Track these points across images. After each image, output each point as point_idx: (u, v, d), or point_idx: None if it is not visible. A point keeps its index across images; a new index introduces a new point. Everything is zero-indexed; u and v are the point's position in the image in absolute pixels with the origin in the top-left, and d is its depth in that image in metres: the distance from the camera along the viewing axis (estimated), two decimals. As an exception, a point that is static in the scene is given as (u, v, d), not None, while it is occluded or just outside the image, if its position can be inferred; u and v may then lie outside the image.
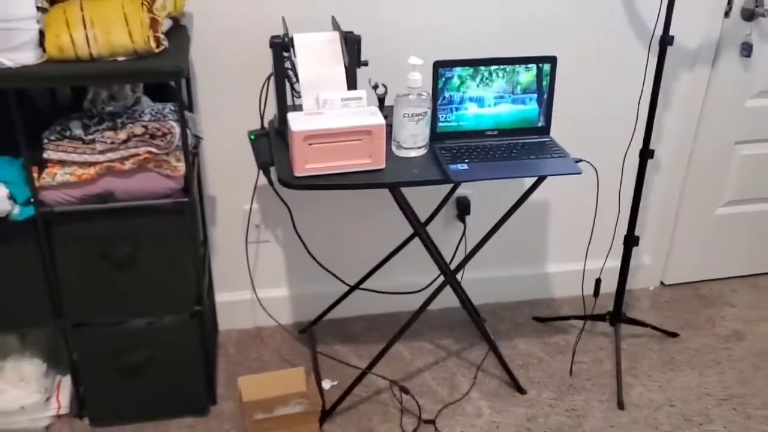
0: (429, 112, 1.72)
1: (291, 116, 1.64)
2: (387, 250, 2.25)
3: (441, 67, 1.73)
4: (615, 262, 2.25)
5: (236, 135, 2.04)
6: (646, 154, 1.99)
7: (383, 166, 1.68)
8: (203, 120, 2.04)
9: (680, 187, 2.44)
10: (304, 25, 1.94)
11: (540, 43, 2.10)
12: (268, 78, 1.84)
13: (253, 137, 1.90)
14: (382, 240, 2.31)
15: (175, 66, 1.55)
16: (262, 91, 1.87)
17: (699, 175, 2.44)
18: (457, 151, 1.74)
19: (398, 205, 1.78)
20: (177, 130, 1.65)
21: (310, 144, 1.61)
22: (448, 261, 2.33)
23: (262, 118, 1.90)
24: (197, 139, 1.90)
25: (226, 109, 2.03)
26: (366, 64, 1.86)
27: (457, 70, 1.74)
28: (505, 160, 1.71)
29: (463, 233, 2.31)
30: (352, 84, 1.82)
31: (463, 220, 2.30)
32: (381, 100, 1.86)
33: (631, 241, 2.12)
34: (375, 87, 1.86)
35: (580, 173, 1.68)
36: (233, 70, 1.98)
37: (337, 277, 2.27)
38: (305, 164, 1.63)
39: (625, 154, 2.09)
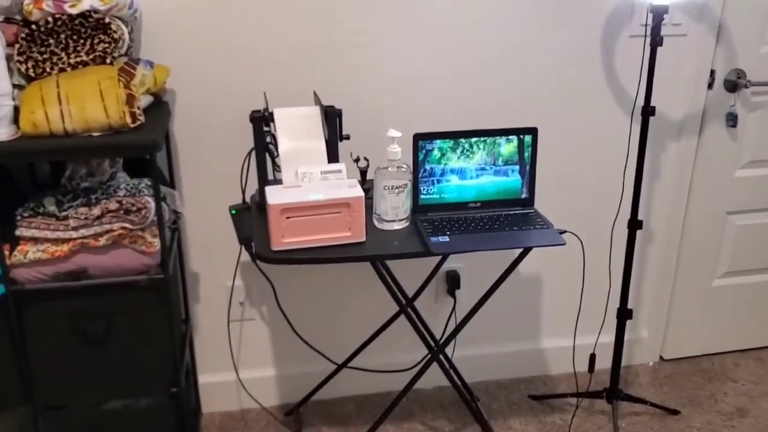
0: (410, 184, 1.70)
1: (269, 189, 1.62)
2: (376, 325, 2.19)
3: (421, 139, 1.73)
4: (610, 337, 2.18)
5: (218, 209, 2.02)
6: (634, 225, 1.96)
7: (363, 239, 1.64)
8: (185, 194, 2.02)
9: (675, 258, 2.39)
10: (286, 100, 1.95)
11: (521, 114, 2.10)
12: (250, 152, 1.83)
13: (234, 212, 1.87)
14: (371, 315, 2.25)
15: (150, 140, 1.54)
16: (243, 166, 1.86)
17: (693, 246, 2.39)
18: (439, 223, 1.71)
19: (381, 280, 1.73)
20: (152, 205, 1.63)
21: (288, 217, 1.58)
22: (438, 337, 2.26)
23: (243, 192, 1.89)
24: (176, 214, 1.88)
25: (208, 184, 2.02)
26: (347, 137, 1.86)
27: (438, 142, 1.73)
28: (488, 231, 1.68)
29: (453, 308, 2.25)
30: (333, 157, 1.81)
31: (453, 295, 2.25)
32: (363, 173, 1.84)
33: (624, 314, 2.06)
34: (356, 160, 1.85)
35: (563, 244, 1.64)
36: (215, 144, 1.98)
37: (324, 356, 2.20)
38: (282, 238, 1.59)
39: (613, 225, 2.06)
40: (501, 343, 2.40)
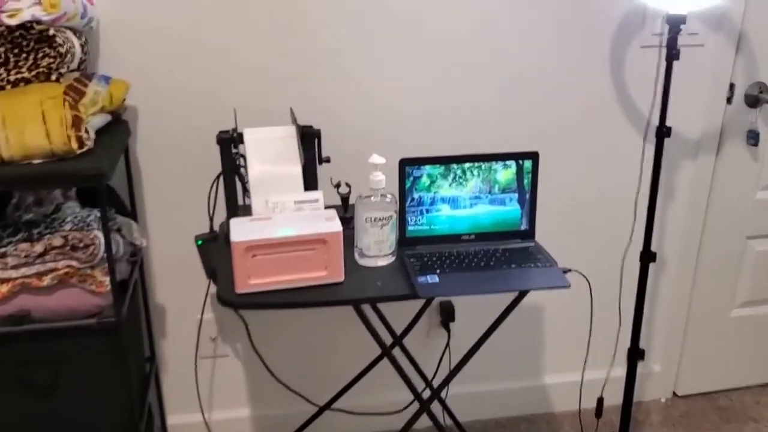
0: (395, 216, 1.50)
1: (234, 223, 1.43)
2: (361, 364, 1.99)
3: (408, 165, 1.53)
4: (620, 371, 1.98)
5: (185, 238, 1.83)
6: (647, 257, 1.76)
7: (341, 278, 1.45)
8: (150, 221, 1.83)
9: (690, 287, 2.20)
10: (259, 119, 1.76)
11: (520, 137, 1.91)
12: (217, 177, 1.65)
13: (199, 242, 1.68)
14: (356, 353, 2.06)
15: (95, 168, 1.36)
16: (210, 191, 1.67)
17: (710, 274, 2.20)
18: (428, 258, 1.52)
19: (363, 323, 1.54)
20: (101, 240, 1.44)
21: (254, 256, 1.39)
22: (431, 375, 2.07)
23: (211, 220, 1.70)
24: (135, 247, 1.69)
25: (174, 210, 1.83)
26: (327, 160, 1.67)
27: (427, 168, 1.54)
28: (483, 270, 1.48)
29: (447, 343, 2.06)
30: (311, 184, 1.62)
31: (447, 328, 2.06)
32: (344, 200, 1.65)
33: (635, 355, 1.86)
34: (337, 186, 1.65)
35: (568, 286, 1.44)
36: (182, 166, 1.80)
37: (303, 398, 2.01)
38: (248, 279, 1.40)
39: (624, 257, 1.87)
40: (499, 379, 2.20)
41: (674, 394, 2.36)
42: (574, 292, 2.07)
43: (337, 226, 1.42)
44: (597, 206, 2.02)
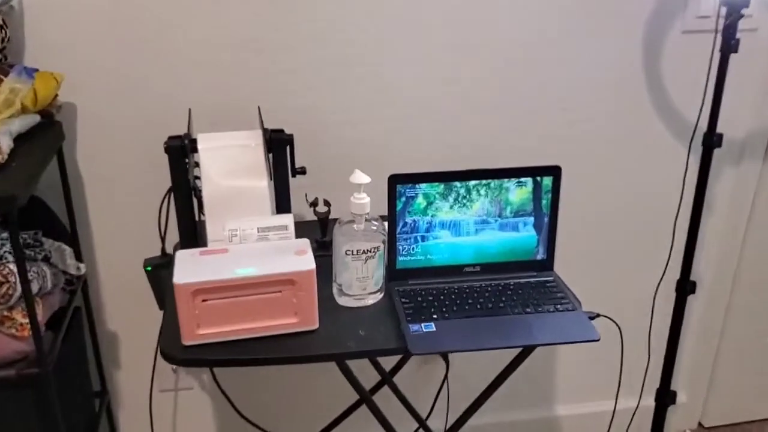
0: (383, 247, 1.22)
1: (179, 257, 1.15)
2: (343, 401, 1.73)
3: (400, 182, 1.25)
4: (639, 401, 1.72)
5: (138, 259, 1.54)
6: (685, 288, 1.48)
7: (315, 325, 1.17)
8: (96, 239, 1.55)
9: (723, 309, 1.92)
10: (221, 120, 1.47)
11: (536, 150, 1.63)
12: (168, 192, 1.36)
13: (148, 268, 1.40)
14: (335, 390, 1.79)
15: (4, 191, 1.07)
16: (161, 208, 1.38)
17: (746, 296, 1.92)
18: (423, 298, 1.24)
19: (342, 372, 1.26)
20: (16, 278, 1.16)
21: (204, 300, 1.11)
22: (425, 414, 1.80)
23: (163, 241, 1.41)
24: (70, 275, 1.41)
25: (124, 227, 1.55)
26: (303, 172, 1.38)
27: (423, 186, 1.25)
28: (490, 313, 1.20)
29: (446, 376, 1.79)
30: (282, 202, 1.34)
31: (445, 358, 1.79)
32: (322, 222, 1.36)
33: (665, 397, 1.60)
34: (313, 204, 1.37)
35: (596, 340, 1.16)
36: (131, 177, 1.51)
37: (278, 437, 1.75)
38: (197, 329, 1.12)
39: (657, 287, 1.59)
40: (507, 410, 1.94)
41: (700, 424, 2.10)
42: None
43: (309, 262, 1.13)
44: (625, 228, 1.74)
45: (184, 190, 1.30)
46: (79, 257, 1.49)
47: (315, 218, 1.39)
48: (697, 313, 1.89)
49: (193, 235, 1.33)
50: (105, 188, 1.52)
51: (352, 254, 1.19)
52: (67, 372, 1.46)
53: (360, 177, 1.17)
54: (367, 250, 1.20)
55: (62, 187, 1.44)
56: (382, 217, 1.24)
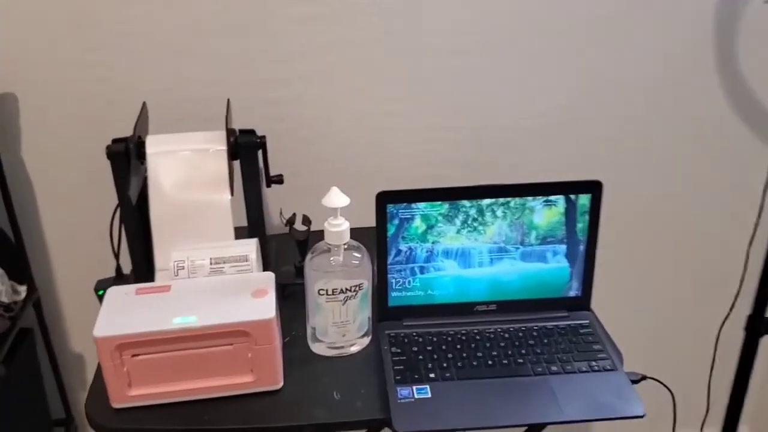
0: (368, 284, 0.96)
1: (108, 298, 0.91)
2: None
3: (391, 201, 0.98)
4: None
5: (99, 273, 1.32)
6: (759, 326, 1.18)
7: (278, 385, 0.93)
8: (52, 252, 1.34)
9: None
10: (182, 119, 1.22)
11: (569, 161, 1.34)
12: (117, 207, 1.12)
13: (101, 292, 1.17)
14: None
15: None
16: (112, 223, 1.15)
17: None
18: (419, 348, 0.98)
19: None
20: None
21: (135, 356, 0.87)
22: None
23: (117, 259, 1.18)
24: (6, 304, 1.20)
25: (80, 237, 1.33)
26: (278, 181, 1.12)
27: (421, 206, 0.98)
28: (505, 375, 0.93)
29: None
30: (252, 218, 1.09)
31: None
32: (301, 244, 1.11)
33: (727, 453, 1.31)
34: (290, 223, 1.11)
35: (641, 416, 0.88)
36: (83, 184, 1.28)
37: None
38: (128, 389, 0.89)
39: (722, 325, 1.29)
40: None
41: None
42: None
43: (267, 309, 0.88)
44: (680, 256, 1.44)
45: (132, 205, 1.06)
46: (24, 275, 1.27)
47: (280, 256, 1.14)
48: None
49: (146, 260, 1.09)
50: (57, 196, 1.30)
51: (327, 294, 0.94)
52: (17, 400, 1.26)
53: (335, 198, 0.91)
54: (347, 289, 0.94)
55: (1, 195, 1.22)
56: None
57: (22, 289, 1.22)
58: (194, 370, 0.90)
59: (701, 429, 1.45)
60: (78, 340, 1.43)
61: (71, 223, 1.32)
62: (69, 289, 1.39)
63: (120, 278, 1.18)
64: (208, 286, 0.93)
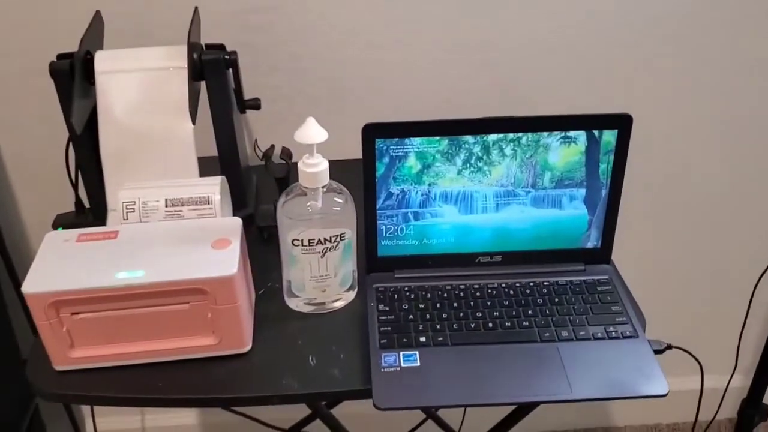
0: (350, 233, 0.82)
1: (45, 244, 0.78)
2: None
3: (380, 135, 0.82)
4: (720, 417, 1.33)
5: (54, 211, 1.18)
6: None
7: (245, 348, 0.80)
8: (13, 180, 1.21)
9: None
10: (143, 34, 1.05)
11: (591, 91, 1.15)
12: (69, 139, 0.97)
13: (59, 229, 1.05)
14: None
15: None
16: (67, 153, 1.00)
17: None
18: (410, 306, 0.85)
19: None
20: None
21: (75, 314, 0.75)
22: None
23: (76, 194, 1.04)
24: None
25: (32, 168, 1.20)
26: (254, 106, 0.97)
27: (416, 141, 0.83)
28: (506, 340, 0.80)
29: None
30: (225, 153, 0.94)
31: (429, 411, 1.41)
32: (280, 182, 0.96)
33: (753, 413, 1.19)
34: (266, 156, 0.96)
35: (663, 395, 0.76)
36: (32, 108, 1.13)
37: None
38: (69, 351, 0.77)
39: (756, 284, 1.14)
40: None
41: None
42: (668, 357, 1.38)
43: (229, 264, 0.74)
44: (713, 204, 1.28)
45: (80, 134, 0.91)
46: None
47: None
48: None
49: (101, 198, 0.95)
50: (13, 114, 1.15)
51: (302, 245, 0.80)
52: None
53: (311, 131, 0.75)
54: (326, 240, 0.80)
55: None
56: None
57: None
58: (146, 331, 0.77)
59: (723, 394, 1.33)
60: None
61: (29, 149, 1.18)
62: (33, 220, 1.27)
63: (81, 213, 1.05)
64: (162, 234, 0.79)
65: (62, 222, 1.04)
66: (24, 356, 1.33)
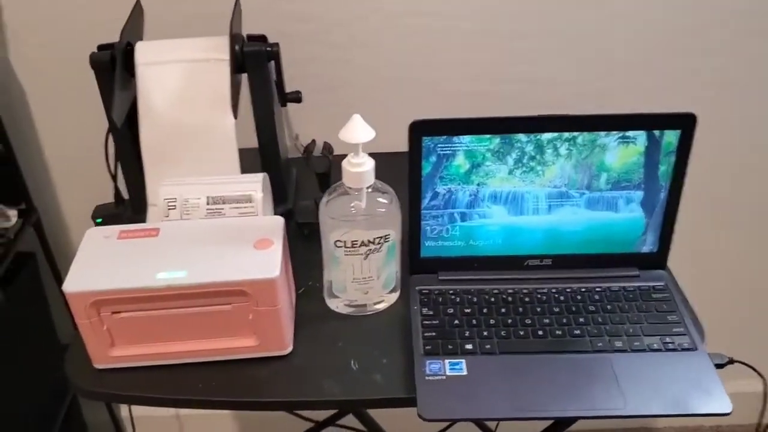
0: (396, 234, 0.79)
1: (86, 241, 0.77)
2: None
3: (428, 133, 0.79)
4: None
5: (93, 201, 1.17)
6: None
7: (286, 350, 0.78)
8: (53, 169, 1.20)
9: None
10: (182, 23, 1.03)
11: (652, 89, 1.10)
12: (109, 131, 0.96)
13: (99, 220, 1.04)
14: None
15: None
16: (107, 145, 0.99)
17: None
18: (455, 310, 0.82)
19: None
20: None
21: (115, 313, 0.74)
22: None
23: (115, 185, 1.03)
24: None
25: (73, 159, 1.19)
26: (296, 99, 0.94)
27: (466, 140, 0.79)
28: (558, 350, 0.77)
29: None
30: (267, 145, 0.92)
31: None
32: (322, 177, 0.93)
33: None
34: (307, 151, 0.94)
35: (726, 414, 0.72)
36: (74, 99, 1.12)
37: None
38: (110, 349, 0.76)
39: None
40: None
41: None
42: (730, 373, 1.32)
43: (271, 266, 0.72)
44: None
45: (118, 128, 0.89)
46: (19, 194, 1.14)
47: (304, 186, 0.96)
48: None
49: (141, 191, 0.93)
50: (52, 108, 1.14)
51: (345, 246, 0.77)
52: (21, 326, 1.18)
53: (356, 130, 0.72)
54: (369, 242, 0.77)
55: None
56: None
57: (12, 214, 1.09)
58: (187, 330, 0.76)
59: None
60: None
61: (68, 139, 1.17)
62: (72, 209, 1.26)
63: (120, 204, 1.04)
64: (203, 233, 0.77)
65: (101, 213, 1.03)
66: (63, 342, 1.34)
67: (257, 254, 0.74)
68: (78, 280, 0.72)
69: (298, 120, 1.08)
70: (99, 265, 0.74)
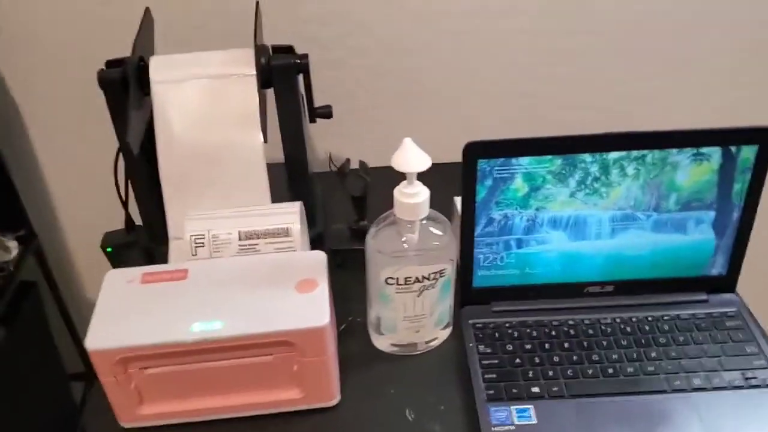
0: (451, 268, 0.71)
1: (105, 286, 0.69)
2: None
3: (483, 156, 0.71)
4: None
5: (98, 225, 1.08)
6: None
7: (333, 401, 0.71)
8: (54, 195, 1.11)
9: None
10: (197, 35, 0.94)
11: (724, 104, 1.02)
12: (119, 151, 0.87)
13: (109, 249, 0.95)
14: None
15: None
16: (116, 168, 0.90)
17: None
18: (514, 347, 0.75)
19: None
20: None
21: (144, 369, 0.66)
22: None
23: (126, 210, 0.94)
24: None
25: (85, 178, 1.10)
26: (327, 115, 0.86)
27: (525, 162, 0.71)
28: (631, 391, 0.70)
29: None
30: (294, 165, 0.83)
31: None
32: (358, 201, 0.85)
33: None
34: (342, 171, 0.86)
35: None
36: (78, 118, 1.03)
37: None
38: (138, 408, 0.68)
39: None
40: None
41: None
42: None
43: (318, 310, 0.64)
44: None
45: (134, 155, 0.80)
46: (19, 221, 1.05)
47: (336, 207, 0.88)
48: None
49: (160, 218, 0.85)
50: (53, 129, 1.05)
51: (397, 284, 0.70)
52: (26, 358, 1.09)
53: (410, 157, 0.64)
54: (424, 277, 0.70)
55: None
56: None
57: (12, 245, 1.00)
58: (223, 384, 0.68)
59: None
60: (90, 286, 1.24)
61: (71, 159, 1.08)
62: (75, 233, 1.18)
63: (131, 231, 0.95)
64: (238, 274, 0.69)
65: (112, 242, 0.94)
66: (72, 371, 1.25)
67: (301, 298, 0.66)
68: (102, 336, 0.64)
69: (332, 135, 0.99)
70: (124, 315, 0.65)
